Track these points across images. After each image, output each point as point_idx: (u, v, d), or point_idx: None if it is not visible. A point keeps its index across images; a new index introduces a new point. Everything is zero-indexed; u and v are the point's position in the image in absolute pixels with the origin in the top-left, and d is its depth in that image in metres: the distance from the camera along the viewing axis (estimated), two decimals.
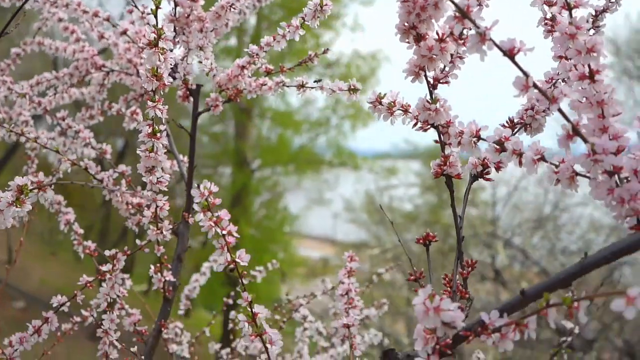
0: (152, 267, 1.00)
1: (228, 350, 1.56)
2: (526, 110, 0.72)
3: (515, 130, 0.72)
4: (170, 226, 0.94)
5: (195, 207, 0.65)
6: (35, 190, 0.69)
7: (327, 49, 1.04)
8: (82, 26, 1.24)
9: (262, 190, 12.40)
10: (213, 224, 0.65)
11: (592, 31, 0.76)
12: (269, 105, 12.47)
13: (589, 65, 0.56)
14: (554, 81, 0.73)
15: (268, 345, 0.68)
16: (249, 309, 0.68)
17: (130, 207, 1.05)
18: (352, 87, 0.87)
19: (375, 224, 9.80)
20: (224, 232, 0.65)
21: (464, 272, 0.65)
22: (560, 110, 0.54)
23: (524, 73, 0.53)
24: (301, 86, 0.98)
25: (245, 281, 0.69)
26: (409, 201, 10.96)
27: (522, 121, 0.72)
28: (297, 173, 12.52)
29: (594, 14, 0.76)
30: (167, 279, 1.01)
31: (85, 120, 1.24)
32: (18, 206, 0.70)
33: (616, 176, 0.56)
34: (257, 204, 12.40)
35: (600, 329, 5.67)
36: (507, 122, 0.73)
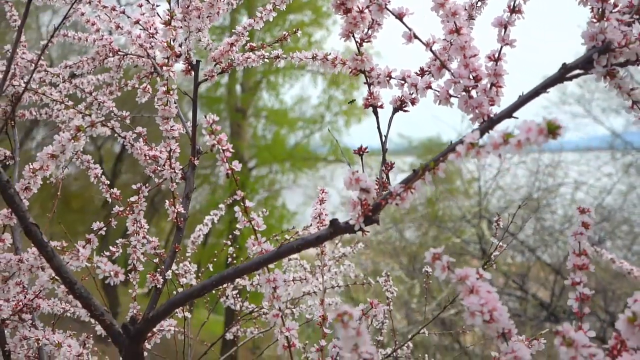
0: (167, 201, 1.30)
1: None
2: (431, 60, 1.02)
3: (426, 75, 1.02)
4: (181, 166, 1.24)
5: (203, 131, 0.94)
6: (89, 128, 0.98)
7: (297, 29, 1.34)
8: (100, 19, 1.54)
9: (259, 188, 12.70)
10: (216, 143, 0.95)
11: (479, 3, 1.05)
12: (263, 104, 12.77)
13: (455, 23, 0.86)
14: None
15: (255, 227, 0.98)
16: (242, 204, 0.98)
17: (147, 158, 1.35)
18: (314, 55, 1.16)
19: None
20: (224, 148, 0.95)
21: (386, 170, 0.95)
22: (432, 51, 0.84)
23: (409, 29, 0.83)
24: (277, 57, 1.29)
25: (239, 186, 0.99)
26: None
27: (428, 69, 1.02)
28: (293, 170, 12.81)
29: None
30: (179, 210, 1.30)
31: (106, 95, 1.54)
32: (75, 141, 1.00)
33: (474, 93, 0.86)
34: (254, 202, 12.68)
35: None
36: (419, 69, 1.02)
